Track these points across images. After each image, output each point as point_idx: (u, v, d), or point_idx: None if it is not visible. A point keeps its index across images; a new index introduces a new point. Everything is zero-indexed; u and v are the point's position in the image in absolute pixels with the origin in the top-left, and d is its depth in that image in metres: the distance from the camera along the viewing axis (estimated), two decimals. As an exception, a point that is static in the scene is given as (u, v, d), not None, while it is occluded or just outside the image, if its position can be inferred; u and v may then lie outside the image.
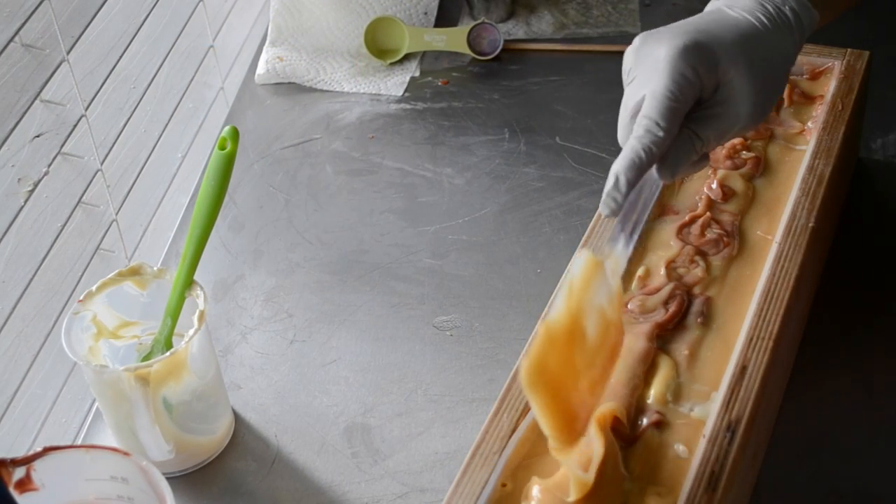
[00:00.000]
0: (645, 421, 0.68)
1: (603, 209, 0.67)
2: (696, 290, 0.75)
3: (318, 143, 1.08)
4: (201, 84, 1.14)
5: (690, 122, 0.68)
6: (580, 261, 0.62)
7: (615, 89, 1.11)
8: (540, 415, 0.60)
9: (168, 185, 1.06)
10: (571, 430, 0.62)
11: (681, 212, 0.81)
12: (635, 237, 0.68)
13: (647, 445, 0.67)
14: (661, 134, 0.66)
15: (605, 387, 0.66)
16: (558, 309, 0.60)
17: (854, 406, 0.78)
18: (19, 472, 0.61)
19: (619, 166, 0.67)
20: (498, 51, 1.16)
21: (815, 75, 0.92)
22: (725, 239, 0.78)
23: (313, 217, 0.99)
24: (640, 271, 0.76)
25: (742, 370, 0.69)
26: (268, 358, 0.87)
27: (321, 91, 1.14)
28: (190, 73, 1.10)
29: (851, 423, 0.77)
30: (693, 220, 0.80)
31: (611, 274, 0.64)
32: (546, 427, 0.60)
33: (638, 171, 0.66)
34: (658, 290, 0.75)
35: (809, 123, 0.87)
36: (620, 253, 0.67)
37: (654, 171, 0.69)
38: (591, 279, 0.62)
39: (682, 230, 0.79)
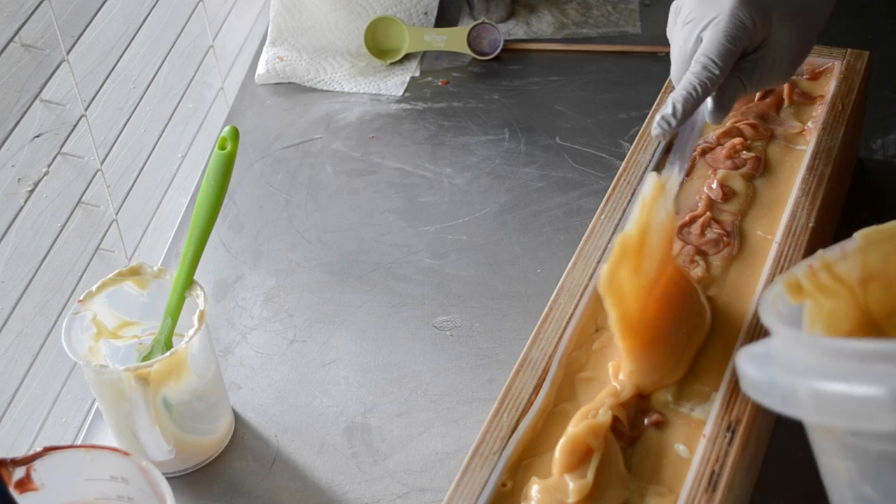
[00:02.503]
0: (645, 421, 0.68)
1: (655, 130, 0.74)
2: (697, 290, 0.75)
3: (318, 143, 1.08)
4: (201, 84, 1.14)
5: (736, 69, 0.75)
6: (650, 181, 0.69)
7: (615, 89, 1.12)
8: (611, 315, 0.67)
9: (168, 185, 1.06)
10: (634, 331, 0.69)
11: (681, 212, 0.81)
12: (685, 165, 0.76)
13: (647, 445, 0.67)
14: (716, 72, 0.73)
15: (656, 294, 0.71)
16: (633, 223, 0.68)
17: (854, 406, 0.78)
18: (19, 472, 0.61)
19: (676, 95, 0.73)
20: (498, 51, 1.16)
21: (815, 75, 0.92)
22: (725, 239, 0.78)
23: (313, 217, 0.99)
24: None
25: (742, 370, 0.69)
26: (268, 358, 0.87)
27: (321, 91, 1.15)
28: (190, 73, 1.10)
29: (851, 423, 0.77)
30: (693, 220, 0.80)
31: (668, 195, 0.71)
32: (615, 326, 0.67)
33: (693, 103, 0.73)
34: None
35: (809, 123, 0.87)
36: (675, 178, 0.74)
37: (697, 114, 0.76)
38: (657, 198, 0.69)
39: (682, 230, 0.79)
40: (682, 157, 0.77)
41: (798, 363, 0.53)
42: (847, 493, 0.55)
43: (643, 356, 0.69)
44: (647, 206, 0.69)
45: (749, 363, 0.56)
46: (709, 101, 0.76)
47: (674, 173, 0.75)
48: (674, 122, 0.73)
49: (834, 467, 0.56)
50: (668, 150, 0.86)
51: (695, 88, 0.73)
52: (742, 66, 0.75)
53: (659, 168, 0.83)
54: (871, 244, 0.65)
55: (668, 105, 0.73)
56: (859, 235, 0.65)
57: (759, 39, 0.75)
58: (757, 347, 0.57)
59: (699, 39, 0.75)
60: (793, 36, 0.76)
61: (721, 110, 0.76)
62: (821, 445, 0.57)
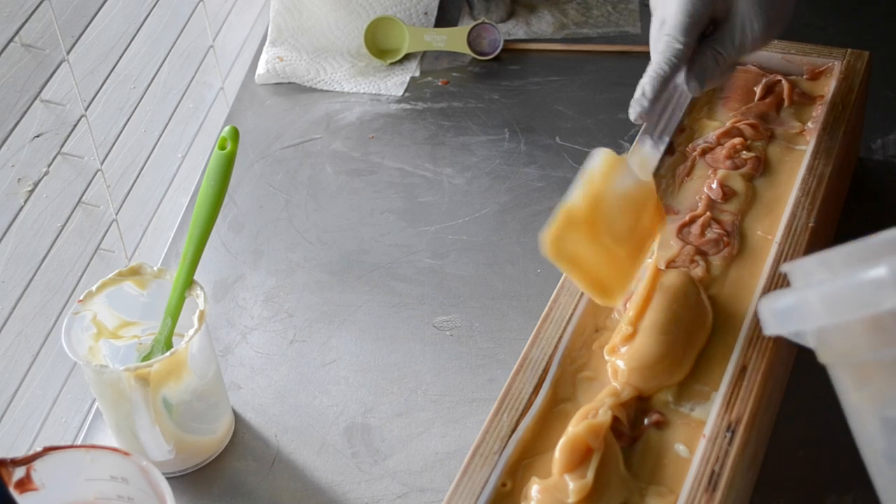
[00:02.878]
0: (645, 421, 0.68)
1: (630, 114, 0.76)
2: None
3: (318, 143, 1.08)
4: (201, 84, 1.14)
5: (710, 40, 0.78)
6: (598, 156, 0.71)
7: (615, 89, 1.12)
8: (573, 279, 0.70)
9: (168, 185, 1.06)
10: (608, 290, 0.71)
11: (681, 211, 0.81)
12: (664, 140, 0.77)
13: (647, 445, 0.67)
14: (679, 46, 0.76)
15: (643, 258, 0.73)
16: (576, 195, 0.69)
17: (854, 406, 0.78)
18: (19, 472, 0.61)
19: (644, 79, 0.76)
20: (498, 51, 1.16)
21: (815, 75, 0.92)
22: (725, 239, 0.78)
23: (313, 217, 0.99)
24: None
25: (742, 370, 0.69)
26: (268, 358, 0.87)
27: (321, 91, 1.15)
28: (190, 73, 1.10)
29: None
30: (693, 220, 0.80)
31: (639, 170, 0.73)
32: (582, 288, 0.71)
33: (662, 81, 0.75)
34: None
35: (809, 123, 0.87)
36: (648, 153, 0.75)
37: (683, 83, 0.78)
38: (611, 172, 0.71)
39: (682, 230, 0.79)
40: (657, 129, 0.77)
41: (810, 280, 0.56)
42: (873, 422, 0.56)
43: (644, 357, 0.69)
44: (595, 177, 0.70)
45: (769, 300, 0.58)
46: (683, 74, 0.78)
47: (646, 146, 0.76)
48: (646, 104, 0.75)
49: (859, 402, 0.57)
50: (669, 149, 0.86)
51: (661, 67, 0.75)
52: (714, 37, 0.78)
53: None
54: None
55: (639, 88, 0.75)
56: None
57: (725, 7, 0.77)
58: (777, 292, 0.59)
59: (663, 23, 0.78)
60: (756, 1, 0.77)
61: (695, 80, 0.77)
62: (846, 382, 0.58)
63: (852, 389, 0.57)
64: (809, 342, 0.58)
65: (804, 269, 0.58)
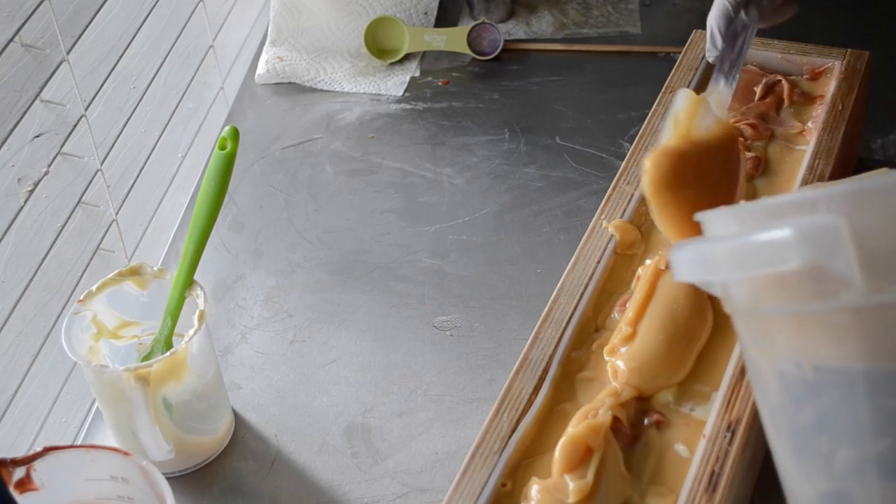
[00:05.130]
0: (645, 421, 0.68)
1: (708, 55, 0.82)
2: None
3: (318, 143, 1.08)
4: (201, 84, 1.14)
5: None
6: (683, 96, 0.75)
7: (615, 89, 1.12)
8: (666, 220, 0.73)
9: (168, 185, 1.06)
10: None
11: (681, 212, 0.81)
12: (735, 77, 0.80)
13: (647, 445, 0.67)
14: None
15: (735, 198, 0.76)
16: (666, 134, 0.74)
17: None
18: (19, 472, 0.61)
19: (711, 18, 0.80)
20: (498, 51, 1.16)
21: (815, 75, 0.92)
22: (726, 239, 0.78)
23: (313, 217, 0.99)
24: (640, 271, 0.76)
25: (742, 370, 0.69)
26: (268, 358, 0.87)
27: (321, 91, 1.15)
28: (190, 73, 1.10)
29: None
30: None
31: (716, 107, 0.76)
32: (673, 232, 0.73)
33: (727, 18, 0.80)
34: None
35: (809, 123, 0.87)
36: (723, 90, 0.79)
37: (745, 17, 0.81)
38: (694, 111, 0.75)
39: (682, 230, 0.79)
40: (727, 70, 0.80)
41: (719, 233, 0.58)
42: (769, 375, 0.57)
43: (644, 357, 0.69)
44: (681, 118, 0.74)
45: (678, 248, 0.59)
46: (748, 11, 0.81)
47: (720, 85, 0.79)
48: (719, 42, 0.80)
49: (757, 354, 0.58)
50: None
51: (725, 5, 0.79)
52: None
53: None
54: None
55: (707, 29, 0.80)
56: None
57: None
58: (687, 240, 0.60)
59: None
60: None
61: (755, 9, 0.81)
62: (744, 333, 0.59)
63: (751, 343, 0.58)
64: (716, 291, 0.59)
65: (718, 218, 0.58)
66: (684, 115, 0.74)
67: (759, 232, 0.51)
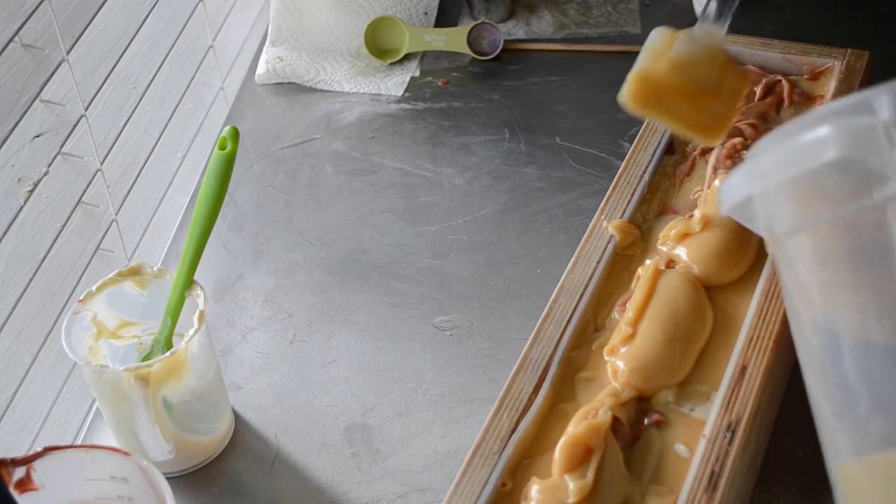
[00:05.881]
0: (645, 421, 0.68)
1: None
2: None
3: (318, 143, 1.08)
4: (201, 84, 1.14)
5: None
6: (655, 33, 0.78)
7: (615, 89, 1.11)
8: (667, 125, 0.81)
9: (168, 185, 1.06)
10: (710, 131, 0.80)
11: (680, 211, 0.81)
12: (727, 15, 0.80)
13: (647, 445, 0.67)
14: None
15: (736, 103, 0.81)
16: (640, 59, 0.77)
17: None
18: (19, 472, 0.61)
19: None
20: (498, 51, 1.16)
21: (815, 75, 0.92)
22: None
23: (313, 217, 0.99)
24: (640, 271, 0.76)
25: (742, 370, 0.69)
26: (268, 358, 0.87)
27: (321, 91, 1.15)
28: (190, 73, 1.10)
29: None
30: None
31: (706, 39, 0.79)
32: (681, 130, 0.79)
33: None
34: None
35: (809, 123, 0.87)
36: (714, 26, 0.80)
37: None
38: (670, 41, 0.78)
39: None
40: (719, 8, 0.81)
41: (765, 144, 0.60)
42: (805, 295, 0.59)
43: (644, 357, 0.69)
44: (657, 47, 0.77)
45: (726, 179, 0.62)
46: None
47: (706, 24, 0.80)
48: None
49: (796, 280, 0.60)
50: (669, 149, 0.86)
51: None
52: None
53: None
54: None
55: None
56: None
57: None
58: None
59: None
60: None
61: None
62: (786, 264, 0.60)
63: (792, 266, 0.60)
64: (760, 227, 0.61)
65: (760, 143, 0.61)
66: (660, 45, 0.77)
67: (799, 133, 0.54)
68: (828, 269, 0.57)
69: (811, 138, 0.54)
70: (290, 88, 1.15)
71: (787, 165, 0.56)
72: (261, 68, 1.16)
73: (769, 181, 0.58)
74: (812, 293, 0.58)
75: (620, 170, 0.84)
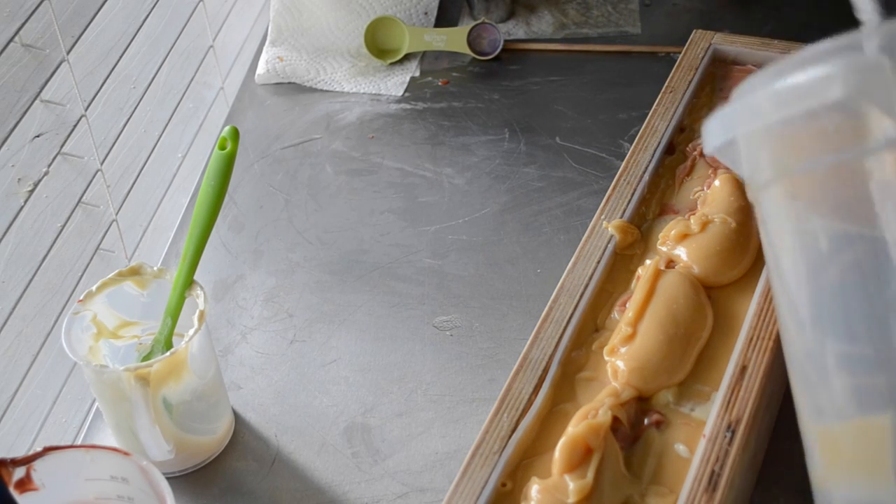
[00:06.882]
0: (645, 421, 0.68)
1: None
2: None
3: (318, 143, 1.08)
4: (201, 84, 1.14)
5: None
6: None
7: (615, 89, 1.12)
8: None
9: (168, 185, 1.06)
10: None
11: (680, 211, 0.81)
12: None
13: (647, 445, 0.67)
14: None
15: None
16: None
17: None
18: (19, 472, 0.61)
19: None
20: (498, 51, 1.16)
21: (815, 75, 0.92)
22: (726, 238, 0.78)
23: (313, 217, 0.99)
24: (640, 271, 0.76)
25: (742, 370, 0.69)
26: (268, 358, 0.87)
27: (321, 91, 1.15)
28: (190, 73, 1.10)
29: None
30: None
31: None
32: None
33: None
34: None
35: (809, 123, 0.87)
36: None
37: None
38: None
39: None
40: None
41: (756, 82, 0.55)
42: (791, 244, 0.57)
43: (644, 358, 0.69)
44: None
45: (712, 116, 0.58)
46: None
47: None
48: None
49: (779, 228, 0.57)
50: (669, 149, 0.86)
51: None
52: None
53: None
54: None
55: None
56: None
57: None
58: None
59: None
60: None
61: None
62: (769, 206, 0.58)
63: (773, 215, 0.57)
64: (743, 168, 0.58)
65: (749, 82, 0.57)
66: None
67: (802, 70, 0.51)
68: (819, 215, 0.54)
69: (813, 76, 0.50)
70: (290, 88, 1.15)
71: (785, 104, 0.52)
72: (261, 68, 1.16)
73: (761, 121, 0.54)
74: (796, 241, 0.56)
75: (620, 170, 0.84)
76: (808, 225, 0.55)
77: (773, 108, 0.53)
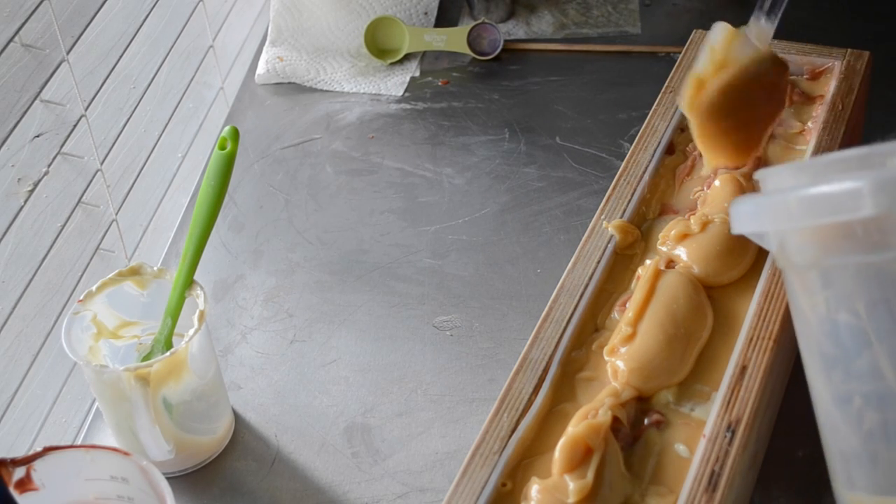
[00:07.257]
0: (645, 421, 0.68)
1: None
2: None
3: (318, 143, 1.08)
4: (201, 84, 1.14)
5: None
6: (719, 28, 0.78)
7: (615, 89, 1.12)
8: (704, 140, 0.79)
9: (168, 185, 1.06)
10: (740, 152, 0.80)
11: (680, 211, 0.81)
12: (777, 14, 0.81)
13: (647, 445, 0.67)
14: None
15: (770, 128, 0.81)
16: (702, 62, 0.77)
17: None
18: (19, 472, 0.61)
19: None
20: (498, 51, 1.16)
21: (815, 75, 0.92)
22: (726, 238, 0.78)
23: (313, 217, 0.99)
24: (640, 271, 0.76)
25: (742, 370, 0.69)
26: (268, 358, 0.87)
27: (321, 91, 1.15)
28: (190, 73, 1.10)
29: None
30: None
31: (756, 40, 0.79)
32: (710, 152, 0.79)
33: None
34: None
35: (809, 123, 0.87)
36: (764, 25, 0.80)
37: None
38: (730, 42, 0.77)
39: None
40: (769, 7, 0.80)
41: (786, 184, 0.60)
42: (819, 329, 0.59)
43: (644, 357, 0.69)
44: (717, 47, 0.77)
45: (740, 202, 0.61)
46: None
47: (760, 21, 0.80)
48: None
49: (809, 307, 0.60)
50: (669, 149, 0.86)
51: None
52: None
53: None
54: None
55: None
56: None
57: None
58: (751, 194, 0.62)
59: None
60: None
61: None
62: (797, 287, 0.61)
63: (805, 293, 0.60)
64: (770, 245, 0.61)
65: (777, 175, 0.61)
66: (720, 46, 0.77)
67: (832, 182, 0.54)
68: (845, 310, 0.57)
69: (847, 188, 0.53)
70: (290, 88, 1.15)
71: (818, 213, 0.55)
72: (261, 68, 1.16)
73: (795, 223, 0.57)
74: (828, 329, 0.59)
75: (620, 170, 0.84)
76: (837, 314, 0.58)
77: (803, 214, 0.56)
